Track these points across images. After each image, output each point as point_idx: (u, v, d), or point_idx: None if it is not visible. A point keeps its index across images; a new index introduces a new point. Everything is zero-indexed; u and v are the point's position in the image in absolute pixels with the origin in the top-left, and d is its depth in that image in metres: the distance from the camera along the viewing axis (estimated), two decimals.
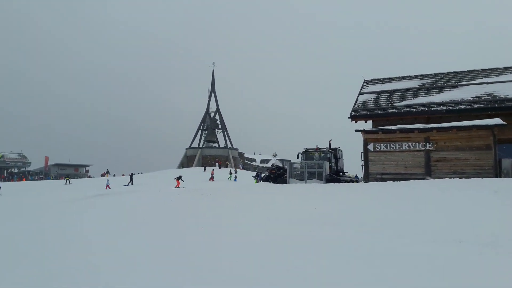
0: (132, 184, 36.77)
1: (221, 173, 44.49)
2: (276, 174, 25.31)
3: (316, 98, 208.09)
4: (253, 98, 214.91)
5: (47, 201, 20.69)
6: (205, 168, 50.81)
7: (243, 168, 64.28)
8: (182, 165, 63.73)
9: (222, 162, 60.52)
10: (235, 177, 40.23)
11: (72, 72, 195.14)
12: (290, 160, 24.62)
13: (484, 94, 19.23)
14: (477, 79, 21.16)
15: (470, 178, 15.80)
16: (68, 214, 14.33)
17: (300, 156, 24.24)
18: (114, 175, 59.33)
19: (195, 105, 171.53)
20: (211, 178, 39.20)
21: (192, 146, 67.30)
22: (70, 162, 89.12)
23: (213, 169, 44.08)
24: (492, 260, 5.69)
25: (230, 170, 45.12)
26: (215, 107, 69.76)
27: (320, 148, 24.25)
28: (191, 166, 60.37)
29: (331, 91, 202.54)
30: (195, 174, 44.09)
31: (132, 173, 40.42)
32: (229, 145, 68.26)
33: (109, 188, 32.11)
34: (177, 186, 27.89)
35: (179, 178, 30.02)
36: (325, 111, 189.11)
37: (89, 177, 68.68)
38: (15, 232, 10.82)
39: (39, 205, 18.94)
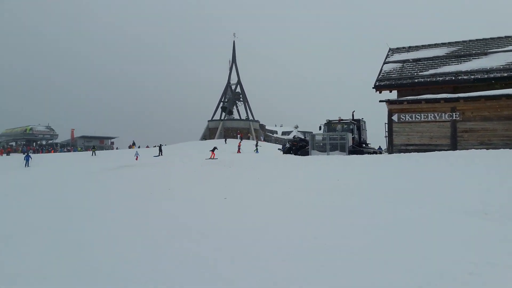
0: (162, 155, 37.59)
1: (243, 145, 44.76)
2: (298, 146, 25.32)
3: (339, 68, 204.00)
4: (275, 69, 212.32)
5: (78, 172, 21.40)
6: (225, 141, 51.03)
7: (264, 140, 64.39)
8: (205, 137, 64.30)
9: (244, 134, 60.68)
10: (257, 149, 40.53)
11: (96, 45, 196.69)
12: (312, 132, 24.58)
13: None
14: (507, 46, 20.28)
15: (498, 149, 15.47)
16: (96, 184, 14.85)
17: (322, 127, 24.10)
18: (139, 147, 60.41)
19: (218, 77, 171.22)
20: (238, 150, 39.68)
21: (214, 119, 67.60)
22: (96, 134, 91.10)
23: (240, 141, 44.22)
24: None
25: (257, 142, 45.30)
26: (236, 79, 69.40)
27: (343, 120, 24.02)
28: (213, 138, 60.81)
29: (355, 60, 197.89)
30: (219, 146, 44.57)
31: (161, 144, 41.07)
32: (251, 117, 68.17)
33: (137, 160, 32.79)
34: (212, 157, 28.46)
35: (213, 149, 30.64)
36: (349, 81, 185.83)
37: (116, 148, 70.03)
38: (59, 197, 11.35)
39: (70, 175, 19.64)
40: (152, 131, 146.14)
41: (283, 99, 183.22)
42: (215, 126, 65.17)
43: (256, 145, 41.97)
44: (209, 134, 65.30)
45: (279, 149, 30.34)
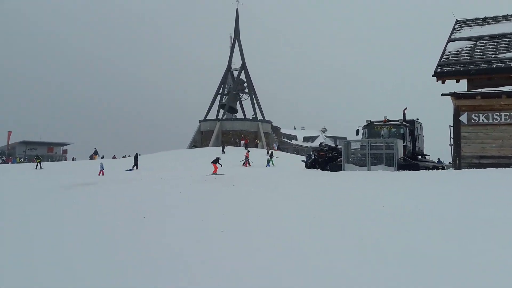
0: (137, 168, 38.52)
1: (251, 155, 44.70)
2: (326, 158, 25.48)
3: (384, 49, 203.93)
4: (293, 50, 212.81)
5: (12, 194, 21.47)
6: (223, 149, 50.79)
7: (278, 149, 64.14)
8: (195, 144, 64.07)
9: (250, 140, 60.46)
10: (268, 160, 40.72)
11: (44, 16, 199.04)
12: (346, 138, 24.64)
13: None
14: None
15: None
16: (38, 212, 14.86)
17: (361, 132, 24.21)
18: (103, 157, 60.79)
19: (213, 60, 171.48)
20: (246, 163, 39.83)
21: (208, 118, 67.46)
22: (42, 139, 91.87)
23: (248, 151, 44.28)
24: None
25: (271, 152, 45.56)
26: (240, 63, 69.21)
27: (390, 121, 24.04)
28: (207, 146, 60.66)
29: (406, 37, 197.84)
30: (215, 156, 44.52)
31: (137, 154, 42.05)
32: (260, 116, 67.96)
33: (103, 175, 33.26)
34: (215, 172, 28.61)
35: (216, 161, 30.77)
36: (398, 68, 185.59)
37: (73, 159, 70.65)
38: None
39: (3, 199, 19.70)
40: (121, 136, 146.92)
41: (305, 93, 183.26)
42: (209, 129, 65.05)
43: (271, 156, 42.22)
44: (200, 139, 65.34)
45: (302, 160, 30.44)
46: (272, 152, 45.91)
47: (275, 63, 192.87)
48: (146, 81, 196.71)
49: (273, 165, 40.22)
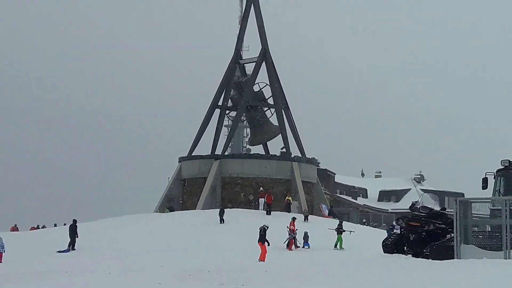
0: (73, 248, 40.35)
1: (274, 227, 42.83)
2: (424, 233, 25.37)
3: None
4: (357, 41, 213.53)
5: None
6: (222, 216, 48.99)
7: (330, 214, 62.70)
8: (170, 203, 62.32)
9: (276, 196, 58.05)
10: (307, 236, 42.46)
11: None
12: (462, 195, 22.33)
13: None
14: None
15: None
16: None
17: (491, 183, 24.13)
18: None
19: (207, 44, 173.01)
20: (292, 244, 41.08)
21: (195, 154, 66.41)
22: None
23: (294, 218, 44.06)
24: None
25: (340, 223, 44.17)
26: (259, 51, 67.54)
27: None
28: (194, 207, 58.85)
29: None
30: (212, 228, 45.00)
31: (75, 221, 43.36)
32: (296, 152, 66.88)
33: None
34: (262, 259, 29.63)
35: (263, 238, 32.19)
36: None
37: None
38: None
39: None
40: (30, 189, 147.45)
41: (381, 112, 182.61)
42: (198, 174, 65.01)
43: (339, 230, 43.83)
44: (182, 194, 63.81)
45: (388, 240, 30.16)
46: (341, 222, 46.56)
47: (325, 52, 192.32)
48: (79, 87, 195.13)
49: (341, 247, 42.26)
